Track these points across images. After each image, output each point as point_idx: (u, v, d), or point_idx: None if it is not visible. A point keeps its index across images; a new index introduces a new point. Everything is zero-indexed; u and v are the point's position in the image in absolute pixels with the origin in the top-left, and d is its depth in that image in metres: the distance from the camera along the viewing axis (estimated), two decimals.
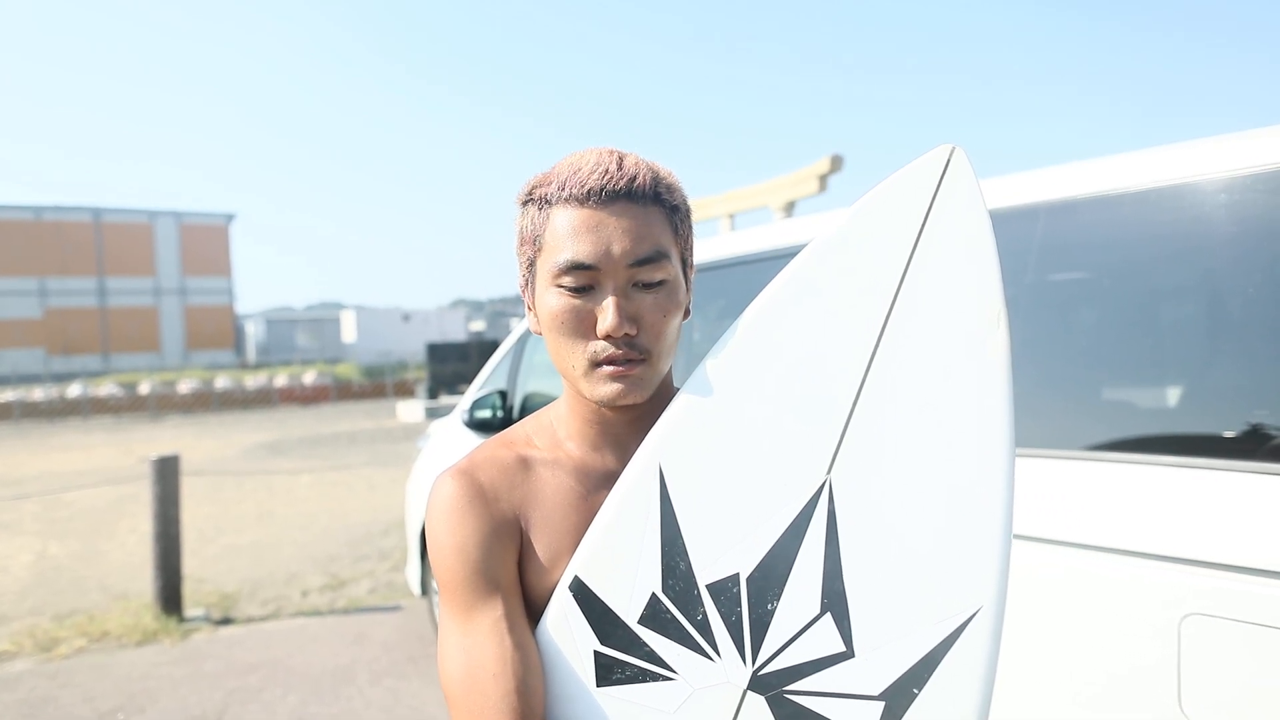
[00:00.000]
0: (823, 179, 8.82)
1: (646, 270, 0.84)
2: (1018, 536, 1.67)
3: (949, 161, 0.81)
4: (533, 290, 0.93)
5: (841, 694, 0.78)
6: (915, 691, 0.76)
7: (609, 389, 0.84)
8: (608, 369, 0.84)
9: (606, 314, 0.83)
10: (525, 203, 0.92)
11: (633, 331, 0.83)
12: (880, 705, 0.77)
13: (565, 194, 0.86)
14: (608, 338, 0.83)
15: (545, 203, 0.88)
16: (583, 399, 0.91)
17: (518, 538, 0.89)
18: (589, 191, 0.84)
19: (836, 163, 8.80)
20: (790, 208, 9.39)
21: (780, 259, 2.47)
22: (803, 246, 2.61)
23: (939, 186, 0.80)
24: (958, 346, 0.79)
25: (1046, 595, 1.64)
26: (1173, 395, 1.77)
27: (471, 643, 0.82)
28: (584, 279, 0.84)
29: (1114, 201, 1.74)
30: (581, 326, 0.85)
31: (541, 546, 0.89)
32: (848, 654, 0.77)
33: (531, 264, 0.91)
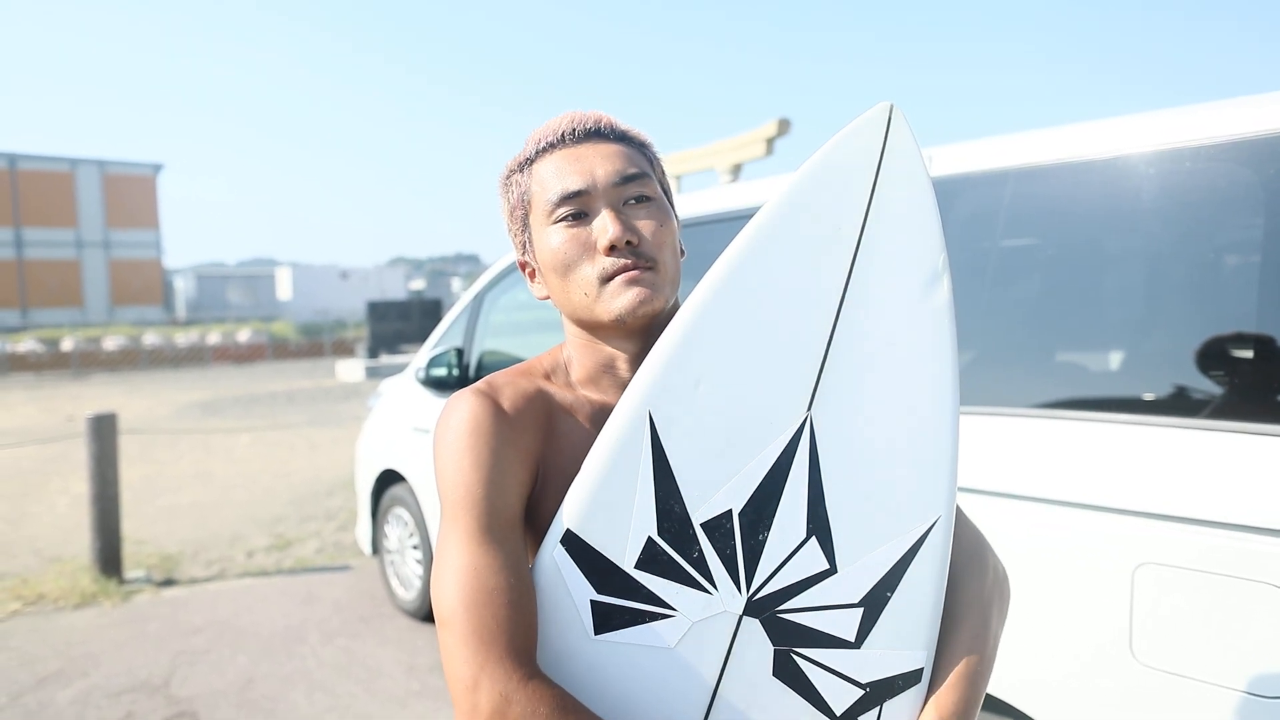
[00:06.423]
0: (770, 142, 8.84)
1: (634, 186, 0.89)
2: (986, 493, 1.76)
3: (890, 118, 0.86)
4: (533, 249, 0.94)
5: (827, 606, 0.85)
6: (888, 595, 0.85)
7: (626, 296, 0.86)
8: (621, 277, 0.86)
9: (608, 226, 0.86)
10: (509, 177, 0.95)
11: (635, 240, 0.87)
12: (860, 611, 0.85)
13: (542, 146, 0.92)
14: (612, 250, 0.86)
15: (527, 163, 0.93)
16: (595, 343, 0.93)
17: (534, 470, 0.88)
18: (563, 135, 0.91)
19: (784, 126, 8.82)
20: (737, 170, 9.41)
21: (727, 222, 2.48)
22: (751, 211, 2.59)
23: (885, 141, 0.86)
24: (913, 291, 0.86)
25: (1009, 548, 1.71)
26: (1115, 359, 1.86)
27: (478, 564, 0.79)
28: (578, 205, 0.88)
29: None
30: (586, 251, 0.88)
31: (554, 489, 0.88)
32: (831, 570, 0.84)
33: (525, 224, 0.94)
